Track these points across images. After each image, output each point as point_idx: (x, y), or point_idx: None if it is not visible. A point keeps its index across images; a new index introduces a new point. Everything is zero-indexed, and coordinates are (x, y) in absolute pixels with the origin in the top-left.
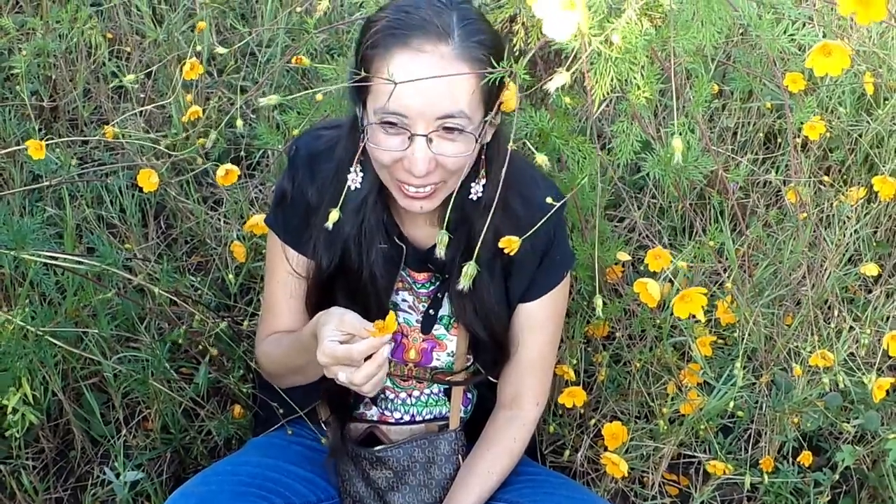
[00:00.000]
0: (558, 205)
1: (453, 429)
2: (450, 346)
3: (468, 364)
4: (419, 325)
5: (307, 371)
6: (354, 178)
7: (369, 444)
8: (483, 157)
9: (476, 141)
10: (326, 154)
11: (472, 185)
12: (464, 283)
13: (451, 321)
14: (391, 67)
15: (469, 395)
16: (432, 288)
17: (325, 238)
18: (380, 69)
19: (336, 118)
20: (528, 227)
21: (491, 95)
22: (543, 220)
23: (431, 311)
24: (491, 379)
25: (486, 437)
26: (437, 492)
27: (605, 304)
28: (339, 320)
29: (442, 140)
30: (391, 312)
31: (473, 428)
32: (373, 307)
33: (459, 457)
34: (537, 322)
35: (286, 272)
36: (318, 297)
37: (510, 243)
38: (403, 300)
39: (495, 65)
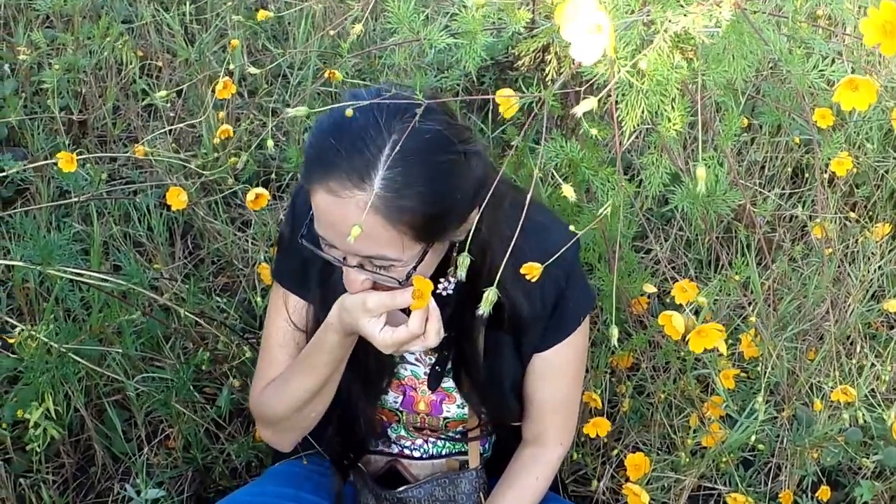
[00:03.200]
0: (566, 246)
1: (474, 467)
2: (459, 398)
3: (482, 414)
4: (426, 376)
5: (325, 388)
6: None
7: (390, 477)
8: (454, 253)
9: (407, 276)
10: None
11: (441, 281)
12: (484, 308)
13: (451, 371)
14: (314, 199)
15: (487, 437)
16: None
17: (319, 298)
18: (310, 193)
19: None
20: (541, 279)
21: (431, 226)
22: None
23: (438, 368)
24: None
25: (508, 475)
26: None
27: (629, 335)
28: (364, 309)
29: (374, 269)
30: (417, 276)
31: (495, 464)
32: (372, 365)
33: (481, 495)
34: (556, 368)
35: (285, 321)
36: None
37: (532, 269)
38: (411, 353)
39: (428, 213)
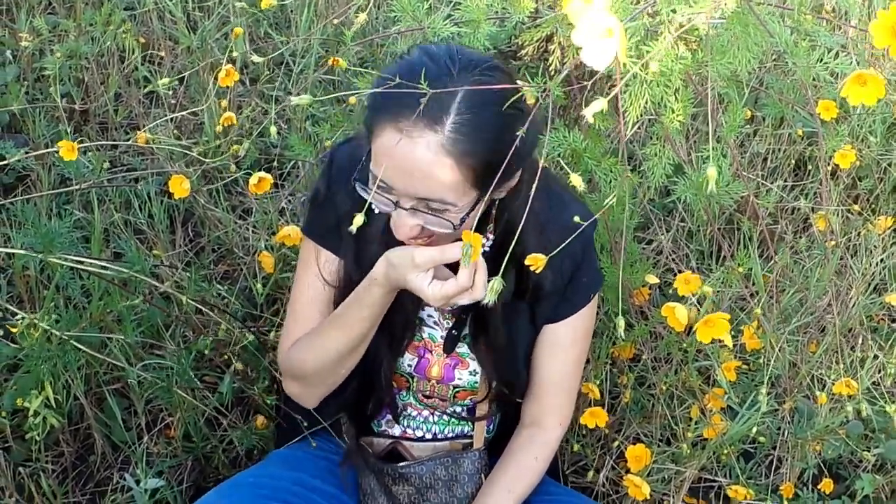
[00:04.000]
0: (585, 223)
1: (477, 448)
2: (472, 364)
3: (490, 389)
4: (443, 340)
5: (361, 345)
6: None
7: (392, 459)
8: (493, 210)
9: (461, 222)
10: (362, 169)
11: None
12: (489, 297)
13: (471, 339)
14: (380, 139)
15: (493, 416)
16: (457, 307)
17: (352, 254)
18: (374, 133)
19: None
20: (552, 238)
21: (488, 174)
22: (563, 245)
23: (455, 331)
24: (517, 400)
25: (507, 455)
26: None
27: (631, 326)
28: (414, 264)
29: (426, 213)
30: (465, 231)
31: (497, 446)
32: (398, 321)
33: (483, 475)
34: (563, 342)
35: (315, 276)
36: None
37: (536, 261)
38: (429, 315)
39: (490, 161)
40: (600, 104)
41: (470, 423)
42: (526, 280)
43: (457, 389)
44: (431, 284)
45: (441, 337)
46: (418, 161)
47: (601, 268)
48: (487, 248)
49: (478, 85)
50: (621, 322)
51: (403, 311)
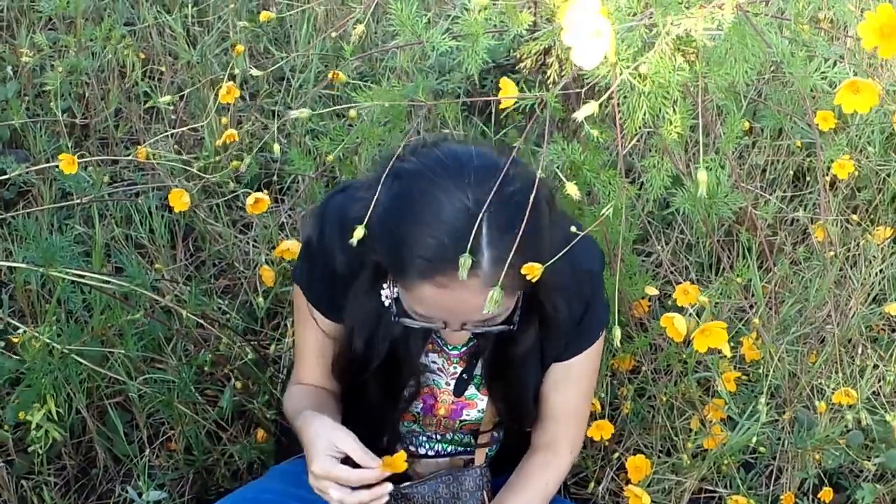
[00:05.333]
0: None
1: (478, 465)
2: (480, 404)
3: (497, 419)
4: (448, 386)
5: None
6: (388, 297)
7: (393, 475)
8: None
9: (517, 316)
10: (358, 222)
11: None
12: (489, 307)
13: (483, 382)
14: (415, 292)
15: (495, 434)
16: (464, 349)
17: (357, 324)
18: (406, 286)
19: (374, 174)
20: (569, 292)
21: (523, 280)
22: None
23: (465, 375)
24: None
25: (519, 479)
26: None
27: (631, 338)
28: (336, 438)
29: (480, 325)
30: (402, 452)
31: (498, 463)
32: (404, 371)
33: (485, 492)
34: (573, 376)
35: (314, 328)
36: (346, 364)
37: (532, 270)
38: (433, 361)
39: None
40: (592, 107)
41: (473, 442)
42: (543, 314)
43: (463, 423)
44: (330, 455)
45: (446, 383)
46: (464, 305)
47: (607, 299)
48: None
49: (501, 209)
50: (617, 332)
51: (409, 366)
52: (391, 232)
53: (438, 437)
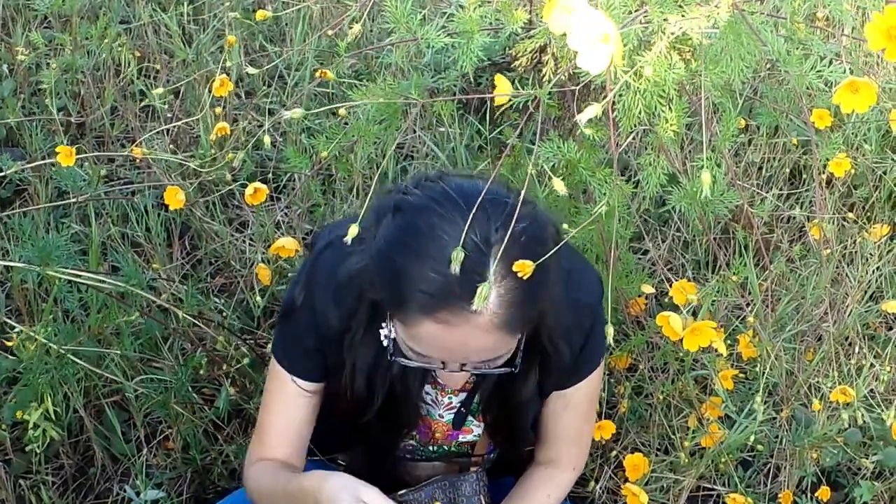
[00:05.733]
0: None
1: (475, 469)
2: (476, 430)
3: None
4: (442, 418)
5: None
6: (387, 338)
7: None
8: None
9: (519, 359)
10: (355, 277)
11: None
12: (478, 304)
13: (479, 409)
14: (416, 329)
15: (491, 446)
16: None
17: (357, 366)
18: (406, 324)
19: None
20: (570, 328)
21: (533, 319)
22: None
23: (463, 409)
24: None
25: (520, 491)
26: None
27: (627, 336)
28: (355, 497)
29: (481, 366)
30: None
31: (494, 468)
32: (403, 410)
33: (482, 497)
34: (574, 403)
35: (288, 401)
36: (347, 407)
37: (523, 267)
38: (426, 393)
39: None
40: (595, 109)
41: (469, 451)
42: (545, 357)
43: (460, 444)
44: None
45: (439, 416)
46: (468, 345)
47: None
48: None
49: (510, 247)
50: (610, 329)
51: (408, 405)
52: (393, 264)
53: (434, 447)
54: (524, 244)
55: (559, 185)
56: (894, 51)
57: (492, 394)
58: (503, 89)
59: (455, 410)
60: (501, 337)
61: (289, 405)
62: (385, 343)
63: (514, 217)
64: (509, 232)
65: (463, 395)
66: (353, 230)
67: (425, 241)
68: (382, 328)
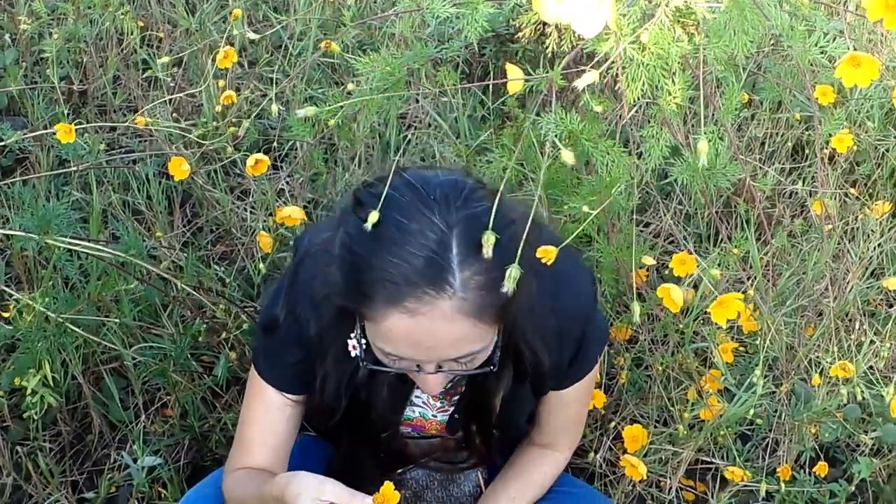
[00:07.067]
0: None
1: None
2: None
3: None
4: (435, 418)
5: None
6: (356, 347)
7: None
8: None
9: (497, 356)
10: (327, 295)
11: None
12: (509, 286)
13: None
14: (384, 324)
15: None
16: (449, 385)
17: (327, 377)
18: (372, 319)
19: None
20: (559, 336)
21: (505, 309)
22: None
23: (457, 415)
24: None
25: (514, 466)
26: None
27: (627, 308)
28: (316, 489)
29: (457, 368)
30: (389, 483)
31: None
32: (378, 425)
33: (479, 473)
34: (571, 399)
35: (270, 410)
36: (319, 415)
37: (548, 253)
38: (417, 396)
39: (503, 302)
40: (592, 76)
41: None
42: (522, 361)
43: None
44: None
45: (432, 416)
46: (436, 335)
47: (604, 318)
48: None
49: (470, 229)
50: (636, 307)
51: (384, 421)
52: (356, 257)
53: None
54: (486, 225)
55: (568, 156)
56: (893, 20)
57: (469, 405)
58: (515, 76)
59: (448, 414)
60: (470, 325)
61: (270, 415)
62: (353, 354)
63: (471, 198)
64: (465, 213)
65: (456, 399)
66: (374, 217)
67: (386, 229)
68: (350, 338)
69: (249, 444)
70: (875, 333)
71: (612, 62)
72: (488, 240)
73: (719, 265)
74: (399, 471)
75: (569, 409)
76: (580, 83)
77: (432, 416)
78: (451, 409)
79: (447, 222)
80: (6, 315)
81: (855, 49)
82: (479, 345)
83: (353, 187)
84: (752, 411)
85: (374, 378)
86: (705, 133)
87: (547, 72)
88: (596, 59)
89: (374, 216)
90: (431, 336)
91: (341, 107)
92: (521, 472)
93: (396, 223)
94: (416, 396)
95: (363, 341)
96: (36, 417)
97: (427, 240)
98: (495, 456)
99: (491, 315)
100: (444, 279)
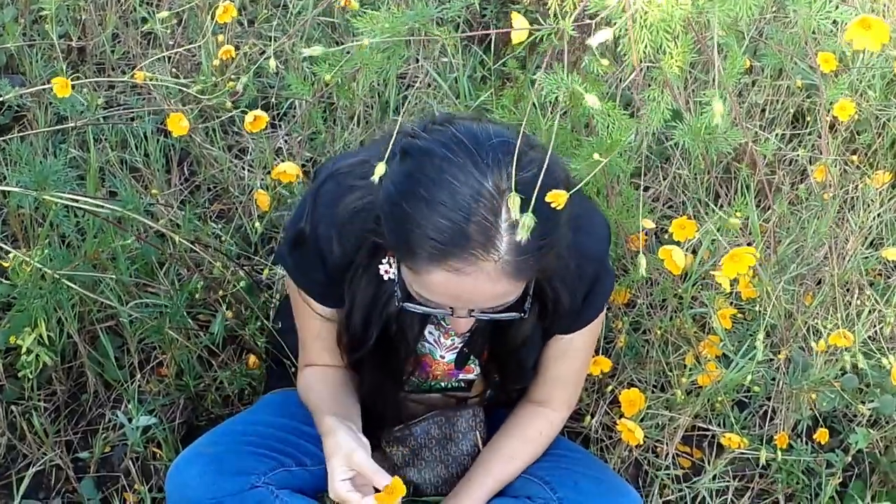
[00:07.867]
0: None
1: (471, 405)
2: (476, 369)
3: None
4: (443, 359)
5: None
6: (389, 270)
7: None
8: None
9: (527, 303)
10: (357, 214)
11: None
12: (522, 235)
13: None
14: (426, 277)
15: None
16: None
17: (355, 305)
18: (415, 271)
19: (369, 148)
20: (576, 276)
21: (543, 266)
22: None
23: (465, 350)
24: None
25: (511, 425)
26: (454, 468)
27: (626, 271)
28: (346, 457)
29: (489, 314)
30: (397, 478)
31: (489, 408)
32: (401, 351)
33: (477, 433)
34: (574, 348)
35: (311, 315)
36: (345, 345)
37: (558, 197)
38: (430, 333)
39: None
40: (606, 34)
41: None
42: (545, 302)
43: (460, 381)
44: (343, 480)
45: (441, 356)
46: (477, 291)
47: (611, 267)
48: None
49: (518, 189)
50: (642, 260)
51: (406, 347)
52: (402, 211)
53: (433, 382)
54: (534, 190)
55: (592, 101)
56: None
57: (489, 334)
58: (520, 25)
59: (458, 351)
60: (511, 284)
61: (317, 320)
62: (386, 279)
63: (522, 162)
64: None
65: (466, 335)
66: (381, 168)
67: (435, 187)
68: (381, 264)
69: (307, 346)
70: (874, 303)
71: (625, 20)
72: (524, 225)
73: (719, 230)
74: (398, 427)
75: (568, 358)
76: (593, 41)
77: (440, 356)
78: (461, 345)
79: (498, 187)
80: (6, 265)
81: (859, 15)
82: (514, 297)
83: (403, 129)
84: (749, 378)
85: (402, 311)
86: (707, 96)
87: (561, 26)
88: (594, 16)
89: (380, 168)
90: (472, 292)
91: (347, 52)
92: (518, 431)
93: (445, 182)
94: (430, 333)
95: (394, 276)
96: (31, 376)
97: (477, 204)
98: (508, 391)
99: (530, 274)
100: (491, 244)
